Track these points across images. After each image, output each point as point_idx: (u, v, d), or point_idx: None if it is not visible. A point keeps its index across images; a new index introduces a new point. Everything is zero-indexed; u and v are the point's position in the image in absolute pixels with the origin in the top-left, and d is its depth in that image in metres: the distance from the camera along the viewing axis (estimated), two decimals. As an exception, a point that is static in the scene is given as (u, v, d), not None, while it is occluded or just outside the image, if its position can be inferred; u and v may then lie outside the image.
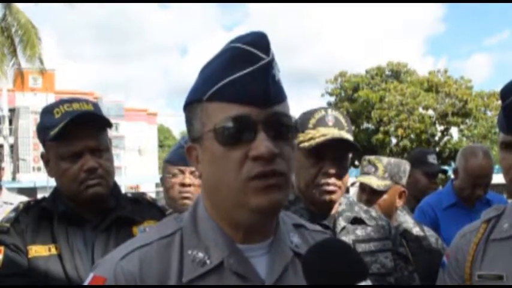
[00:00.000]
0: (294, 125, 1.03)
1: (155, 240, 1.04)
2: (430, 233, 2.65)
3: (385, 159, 2.63)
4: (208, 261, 1.01)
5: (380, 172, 2.56)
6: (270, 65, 0.98)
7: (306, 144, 1.76)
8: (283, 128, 1.00)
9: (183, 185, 2.43)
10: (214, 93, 0.99)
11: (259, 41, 0.98)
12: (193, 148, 1.06)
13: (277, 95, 1.00)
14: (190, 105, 1.05)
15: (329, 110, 1.86)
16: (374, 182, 2.54)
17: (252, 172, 0.96)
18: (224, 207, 1.02)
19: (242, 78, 0.97)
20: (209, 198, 1.06)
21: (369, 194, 2.56)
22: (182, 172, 2.46)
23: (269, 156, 0.96)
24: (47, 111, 1.77)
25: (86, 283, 1.02)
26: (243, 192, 0.97)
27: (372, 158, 2.65)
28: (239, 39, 1.00)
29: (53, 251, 1.68)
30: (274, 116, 0.99)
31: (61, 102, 1.78)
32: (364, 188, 2.59)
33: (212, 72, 1.01)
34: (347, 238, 1.80)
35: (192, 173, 2.46)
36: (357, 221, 1.87)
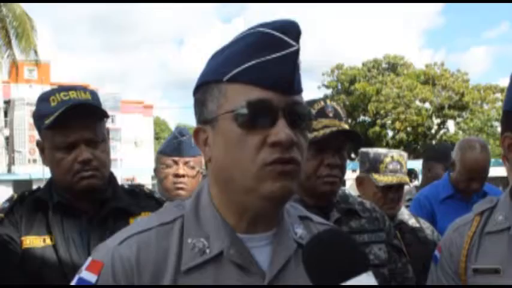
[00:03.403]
0: (309, 116, 1.02)
1: (155, 226, 1.02)
2: (426, 225, 2.65)
3: (404, 154, 2.57)
4: (207, 250, 0.99)
5: (404, 168, 2.51)
6: (298, 53, 0.97)
7: (310, 136, 1.75)
8: (301, 118, 0.99)
9: (177, 175, 2.43)
10: (237, 74, 0.97)
11: (289, 28, 0.97)
12: (203, 130, 1.04)
13: (299, 84, 1.01)
14: (206, 86, 1.02)
15: (328, 101, 1.87)
16: (407, 179, 2.49)
17: (270, 158, 0.95)
18: (234, 193, 1.00)
19: (270, 63, 0.96)
20: (217, 183, 1.04)
21: (396, 192, 2.48)
22: (176, 163, 2.46)
23: (288, 144, 0.95)
24: (44, 99, 1.75)
25: (83, 267, 1.01)
26: (258, 177, 0.96)
27: (395, 154, 2.52)
28: (267, 24, 0.99)
29: (48, 241, 1.67)
30: (294, 104, 0.98)
31: (58, 89, 1.75)
32: (390, 187, 2.45)
33: (235, 54, 0.99)
34: None
35: (186, 163, 2.45)
36: (351, 212, 1.87)
